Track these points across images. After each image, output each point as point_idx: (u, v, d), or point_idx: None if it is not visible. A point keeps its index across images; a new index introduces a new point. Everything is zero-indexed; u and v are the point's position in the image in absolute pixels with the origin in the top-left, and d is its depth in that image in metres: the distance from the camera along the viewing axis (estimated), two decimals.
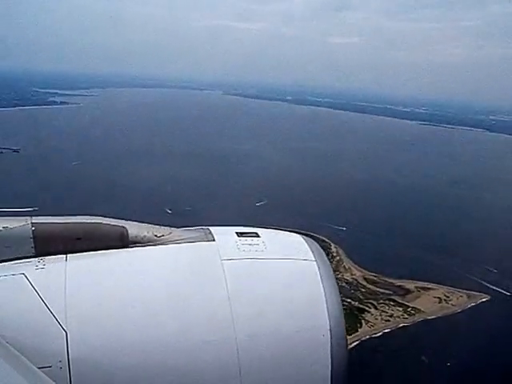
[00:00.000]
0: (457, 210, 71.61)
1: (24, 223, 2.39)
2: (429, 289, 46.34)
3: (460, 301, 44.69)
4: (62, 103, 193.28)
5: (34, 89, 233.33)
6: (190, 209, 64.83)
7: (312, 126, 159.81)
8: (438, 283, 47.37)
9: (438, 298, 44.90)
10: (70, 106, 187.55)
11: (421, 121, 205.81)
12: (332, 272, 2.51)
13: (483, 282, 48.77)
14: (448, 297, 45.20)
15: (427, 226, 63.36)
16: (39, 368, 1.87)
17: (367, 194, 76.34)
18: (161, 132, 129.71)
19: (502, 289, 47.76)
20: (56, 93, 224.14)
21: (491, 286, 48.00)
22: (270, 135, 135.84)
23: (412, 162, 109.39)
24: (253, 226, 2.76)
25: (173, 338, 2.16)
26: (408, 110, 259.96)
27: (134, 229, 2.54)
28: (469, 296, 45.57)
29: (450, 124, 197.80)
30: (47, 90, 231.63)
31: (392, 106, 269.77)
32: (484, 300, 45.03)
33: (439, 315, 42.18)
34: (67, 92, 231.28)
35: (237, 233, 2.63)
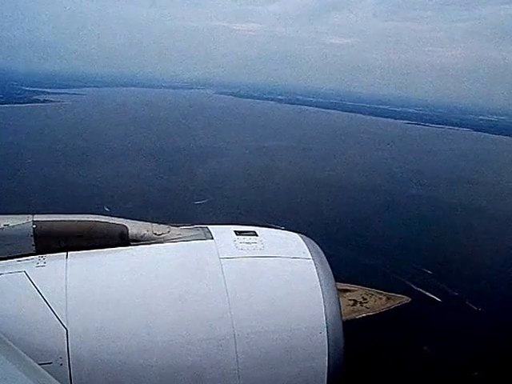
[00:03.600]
0: (404, 210, 69.48)
1: (25, 221, 2.41)
2: (347, 290, 43.94)
3: (376, 303, 42.42)
4: (44, 101, 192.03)
5: (22, 87, 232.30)
6: (130, 206, 63.35)
7: (293, 125, 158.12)
8: (360, 285, 45.20)
9: (354, 300, 42.50)
10: (51, 104, 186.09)
11: (408, 120, 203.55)
12: (330, 270, 2.53)
13: (411, 284, 46.76)
14: (365, 299, 42.85)
15: (367, 226, 61.25)
16: (40, 364, 1.88)
17: (316, 194, 74.26)
18: (135, 130, 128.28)
19: (428, 291, 45.76)
20: (44, 91, 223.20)
21: (417, 288, 45.99)
22: (247, 134, 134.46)
23: (378, 161, 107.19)
24: (251, 225, 2.77)
25: (172, 335, 2.18)
26: (398, 109, 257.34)
27: (133, 227, 2.57)
28: (388, 298, 43.35)
29: (436, 123, 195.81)
30: (35, 89, 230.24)
31: (383, 106, 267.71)
32: (403, 303, 42.87)
33: (345, 318, 39.93)
34: (55, 91, 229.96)
35: (235, 231, 2.66)
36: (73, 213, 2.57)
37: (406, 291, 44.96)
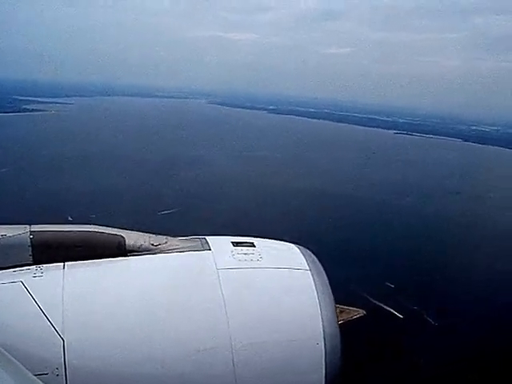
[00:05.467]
0: (374, 219, 68.02)
1: (22, 231, 2.41)
2: None
3: None
4: (32, 110, 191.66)
5: (12, 96, 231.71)
6: (94, 216, 62.00)
7: (279, 135, 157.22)
8: None
9: None
10: (38, 113, 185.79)
11: (398, 130, 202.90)
12: (327, 281, 2.58)
13: (370, 298, 45.07)
14: None
15: (334, 237, 59.69)
16: (36, 375, 1.89)
17: (287, 203, 72.86)
18: (119, 139, 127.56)
19: (387, 305, 44.07)
20: (34, 100, 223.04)
21: (376, 302, 44.28)
22: (232, 143, 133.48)
23: (358, 171, 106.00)
24: (249, 236, 2.79)
25: (169, 346, 2.18)
26: (390, 119, 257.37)
27: (131, 238, 2.59)
28: (341, 311, 41.14)
29: (426, 133, 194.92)
30: (25, 98, 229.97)
31: (375, 116, 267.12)
32: (355, 317, 40.91)
33: None
34: (46, 100, 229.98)
35: (232, 242, 2.69)
36: (70, 223, 2.60)
37: (364, 305, 43.35)
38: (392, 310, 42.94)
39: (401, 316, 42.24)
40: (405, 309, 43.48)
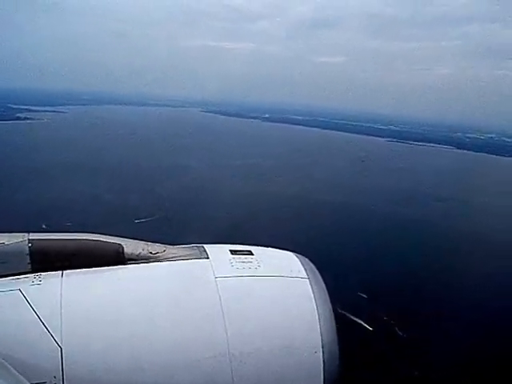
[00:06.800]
0: (354, 227, 67.13)
1: (21, 239, 2.41)
2: None
3: None
4: (25, 119, 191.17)
5: (7, 104, 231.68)
6: (69, 224, 61.05)
7: (270, 143, 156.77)
8: None
9: None
10: (30, 122, 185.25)
11: (392, 138, 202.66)
12: (325, 289, 2.57)
13: (338, 309, 43.92)
14: None
15: (311, 244, 58.63)
16: None
17: (266, 211, 72.00)
18: (108, 148, 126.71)
19: (353, 315, 42.86)
20: (28, 109, 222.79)
21: (342, 312, 43.15)
22: (221, 151, 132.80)
23: (344, 178, 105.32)
24: (247, 244, 2.80)
25: (167, 355, 2.18)
26: (385, 127, 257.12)
27: (129, 246, 2.58)
28: None
29: (419, 141, 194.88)
30: (20, 106, 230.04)
31: (369, 124, 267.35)
32: None
33: None
34: (40, 108, 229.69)
35: (230, 250, 2.68)
36: (69, 231, 2.57)
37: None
38: (360, 321, 41.81)
39: (371, 328, 41.10)
40: (377, 320, 42.35)
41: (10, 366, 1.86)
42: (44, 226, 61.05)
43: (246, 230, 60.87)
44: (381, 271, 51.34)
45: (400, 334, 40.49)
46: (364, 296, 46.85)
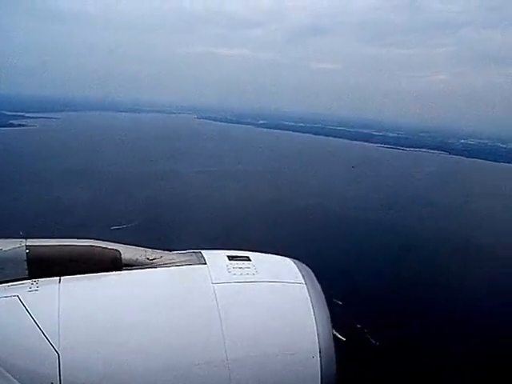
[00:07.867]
0: (338, 232, 66.24)
1: (18, 245, 2.40)
2: None
3: None
4: (18, 125, 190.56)
5: (2, 111, 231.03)
6: (46, 230, 59.99)
7: (259, 149, 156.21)
8: None
9: None
10: (23, 128, 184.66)
11: (386, 144, 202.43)
12: (322, 295, 2.59)
13: None
14: None
15: (289, 249, 57.53)
16: None
17: (245, 217, 70.97)
18: (97, 154, 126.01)
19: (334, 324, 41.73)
20: (22, 115, 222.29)
21: None
22: (212, 158, 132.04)
23: (333, 185, 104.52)
24: (244, 250, 2.81)
25: (165, 360, 2.18)
26: (380, 133, 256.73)
27: (127, 252, 2.59)
28: None
29: (412, 147, 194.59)
30: (14, 113, 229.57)
31: (365, 130, 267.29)
32: None
33: None
34: (34, 115, 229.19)
35: (228, 256, 2.70)
36: (66, 237, 2.57)
37: None
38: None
39: (343, 339, 39.87)
40: (350, 329, 41.20)
41: (6, 373, 1.86)
42: (21, 233, 60.27)
43: (223, 238, 59.98)
44: (362, 277, 50.39)
45: (373, 342, 39.42)
46: (339, 303, 45.85)
